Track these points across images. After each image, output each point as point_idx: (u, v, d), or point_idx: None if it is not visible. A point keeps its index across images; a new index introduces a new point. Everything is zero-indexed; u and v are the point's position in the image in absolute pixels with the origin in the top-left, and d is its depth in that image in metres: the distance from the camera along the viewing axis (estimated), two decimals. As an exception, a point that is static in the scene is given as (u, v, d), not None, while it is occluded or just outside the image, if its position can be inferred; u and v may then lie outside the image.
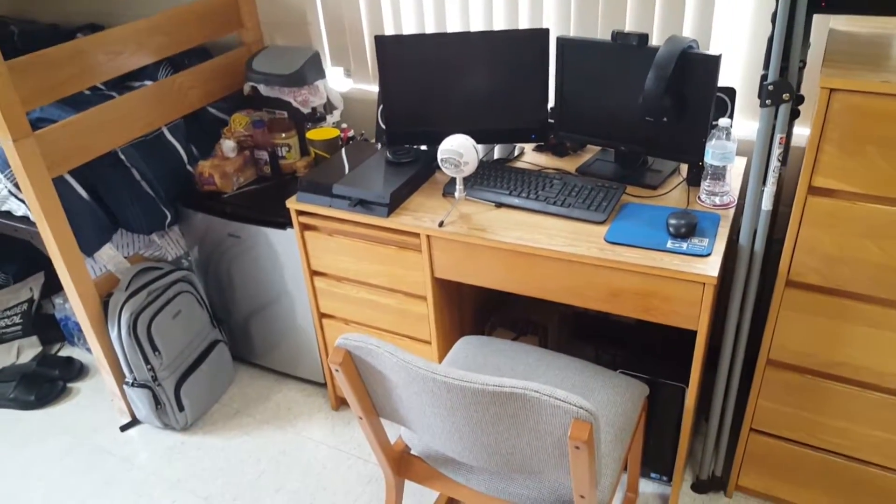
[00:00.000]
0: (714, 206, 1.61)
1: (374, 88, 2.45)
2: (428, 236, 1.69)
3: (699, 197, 1.65)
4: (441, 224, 1.66)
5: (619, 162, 1.84)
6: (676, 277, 1.42)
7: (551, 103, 1.90)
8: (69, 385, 2.50)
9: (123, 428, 2.26)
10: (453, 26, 2.18)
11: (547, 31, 1.76)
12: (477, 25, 2.14)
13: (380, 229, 1.76)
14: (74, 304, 2.04)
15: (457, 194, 1.69)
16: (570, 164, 1.91)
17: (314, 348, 2.26)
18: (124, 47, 2.04)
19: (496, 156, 2.02)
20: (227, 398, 2.37)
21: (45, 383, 2.43)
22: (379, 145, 2.04)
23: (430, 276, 1.76)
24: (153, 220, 2.16)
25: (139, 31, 2.08)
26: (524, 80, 1.83)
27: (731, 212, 1.59)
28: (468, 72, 1.85)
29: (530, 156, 2.00)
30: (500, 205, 1.72)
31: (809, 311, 1.45)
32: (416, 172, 1.83)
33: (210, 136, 2.33)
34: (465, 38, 1.82)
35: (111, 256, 2.10)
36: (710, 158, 1.57)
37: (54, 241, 1.90)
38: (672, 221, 1.51)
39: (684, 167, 1.82)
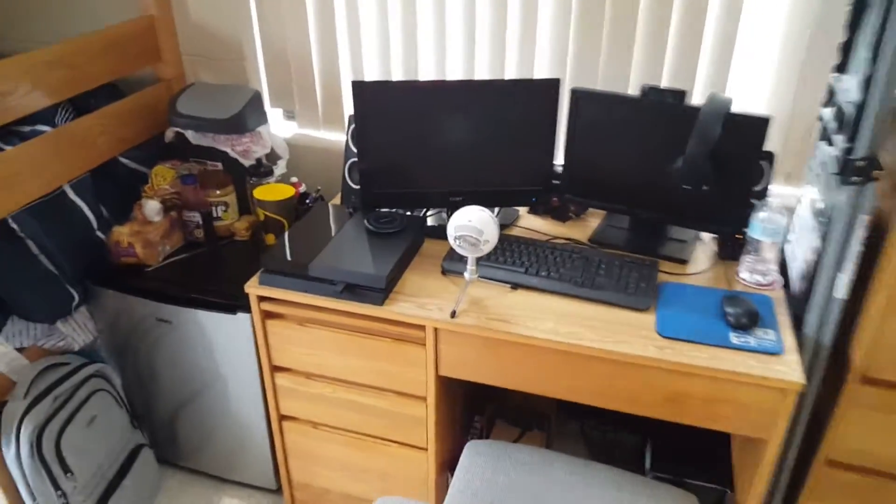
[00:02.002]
0: (758, 285, 1.44)
1: (324, 134, 2.11)
2: (436, 329, 1.39)
3: (738, 274, 1.47)
4: (453, 314, 1.37)
5: (635, 230, 1.63)
6: (753, 383, 1.21)
7: (557, 161, 1.66)
8: None
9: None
10: (426, 68, 1.90)
11: (558, 81, 1.53)
12: (454, 72, 1.88)
13: (371, 319, 1.44)
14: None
15: (468, 275, 1.40)
16: (576, 231, 1.68)
17: (264, 451, 1.88)
18: (15, 86, 1.59)
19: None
20: (152, 513, 1.93)
21: None
22: (349, 210, 1.71)
23: (433, 374, 1.46)
24: (56, 304, 1.71)
25: (34, 65, 1.64)
26: (528, 135, 1.59)
27: (779, 293, 1.42)
28: (463, 125, 1.58)
29: (526, 220, 1.75)
30: (516, 286, 1.46)
31: (882, 410, 1.29)
32: (408, 246, 1.52)
33: (124, 194, 1.90)
34: (464, 86, 1.56)
35: (1, 354, 1.63)
36: (757, 233, 1.39)
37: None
38: (729, 310, 1.31)
39: (705, 235, 1.64)
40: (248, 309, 1.61)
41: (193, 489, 2.00)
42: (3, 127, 1.62)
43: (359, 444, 1.65)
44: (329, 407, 1.62)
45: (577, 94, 1.53)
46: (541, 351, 1.34)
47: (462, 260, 1.42)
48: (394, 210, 1.68)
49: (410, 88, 1.57)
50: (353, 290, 1.42)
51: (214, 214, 1.90)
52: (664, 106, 1.44)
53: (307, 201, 1.89)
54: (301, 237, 1.56)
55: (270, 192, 1.80)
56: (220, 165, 1.95)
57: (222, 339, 1.72)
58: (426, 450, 1.58)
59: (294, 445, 1.74)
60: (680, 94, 1.43)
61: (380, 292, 1.41)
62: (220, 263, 1.82)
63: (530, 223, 1.73)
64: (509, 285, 1.46)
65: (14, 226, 1.61)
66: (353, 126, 1.70)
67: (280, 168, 1.99)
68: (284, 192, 1.80)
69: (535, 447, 1.48)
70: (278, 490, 1.97)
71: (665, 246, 1.57)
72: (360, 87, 1.54)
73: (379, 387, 1.54)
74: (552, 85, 1.54)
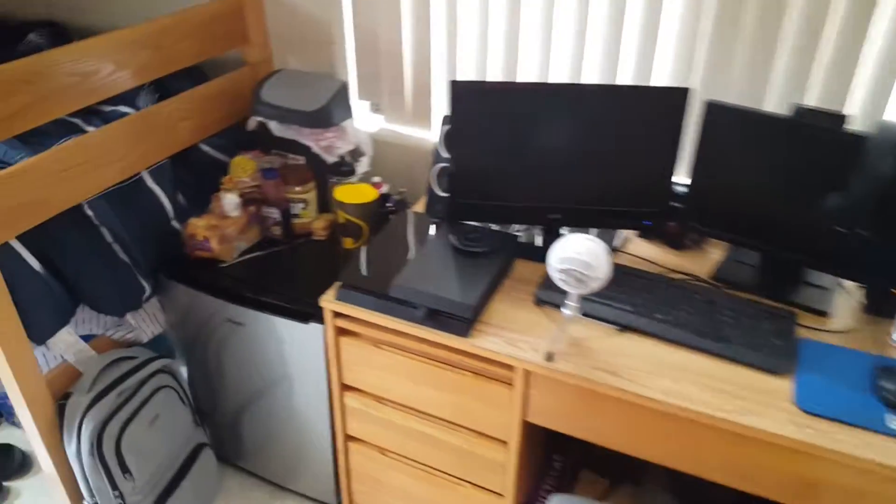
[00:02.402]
0: (919, 353, 1.20)
1: (411, 131, 1.96)
2: (527, 371, 1.23)
3: (893, 337, 1.23)
4: (550, 358, 1.20)
5: (767, 270, 1.41)
6: (917, 482, 0.99)
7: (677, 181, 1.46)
8: (6, 484, 1.94)
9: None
10: (527, 68, 1.72)
11: (687, 90, 1.32)
12: (559, 74, 1.69)
13: (453, 351, 1.29)
14: (19, 409, 1.50)
15: (568, 312, 1.23)
16: (694, 264, 1.47)
17: (326, 465, 1.77)
18: (99, 65, 1.51)
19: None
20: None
21: None
22: (434, 220, 1.56)
23: (518, 419, 1.30)
24: (128, 295, 1.64)
25: (118, 44, 1.55)
26: (646, 150, 1.39)
27: (944, 364, 1.18)
28: (571, 134, 1.40)
29: (635, 245, 1.55)
30: (624, 328, 1.27)
31: None
32: (498, 271, 1.36)
33: (202, 182, 1.81)
34: (578, 91, 1.37)
35: (70, 344, 1.57)
36: (924, 292, 1.16)
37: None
38: (885, 385, 1.09)
39: (848, 283, 1.40)
40: (321, 319, 1.49)
41: (253, 494, 1.92)
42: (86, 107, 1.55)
43: (428, 479, 1.51)
44: (399, 434, 1.48)
45: (712, 108, 1.32)
46: (652, 412, 1.15)
47: (561, 290, 1.25)
48: (483, 225, 1.52)
49: (516, 90, 1.39)
50: (435, 317, 1.27)
51: (293, 211, 1.79)
52: (818, 130, 1.21)
53: (388, 203, 1.75)
54: (382, 250, 1.43)
55: (352, 193, 1.67)
56: (302, 160, 1.83)
57: (293, 346, 1.61)
58: (503, 496, 1.43)
59: (359, 467, 1.62)
60: (839, 119, 1.20)
61: (465, 322, 1.25)
62: (296, 265, 1.70)
63: (639, 249, 1.53)
64: (616, 327, 1.28)
65: (89, 212, 1.54)
66: (446, 128, 1.55)
67: (362, 166, 1.86)
68: (367, 194, 1.67)
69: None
70: (338, 505, 1.86)
71: (802, 292, 1.35)
72: (459, 87, 1.38)
73: (455, 422, 1.40)
74: (681, 95, 1.33)
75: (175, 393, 1.73)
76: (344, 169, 1.78)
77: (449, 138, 1.47)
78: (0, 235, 1.34)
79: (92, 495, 1.57)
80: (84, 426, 1.50)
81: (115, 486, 1.56)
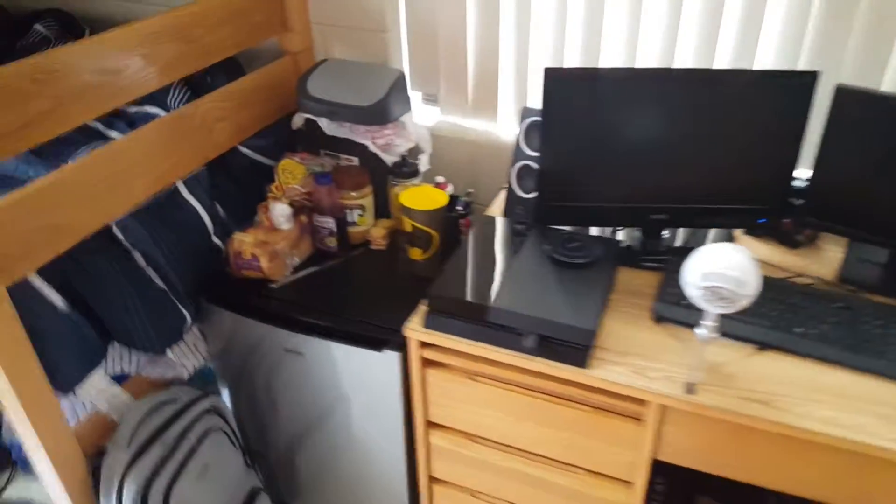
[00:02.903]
0: None
1: (474, 124, 1.73)
2: (662, 406, 0.99)
3: None
4: (690, 390, 0.96)
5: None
6: None
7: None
8: None
9: None
10: (611, 53, 1.48)
11: (816, 74, 1.09)
12: (646, 58, 1.45)
13: (569, 384, 1.05)
14: (44, 472, 1.29)
15: (703, 333, 0.99)
16: (813, 264, 1.25)
17: (401, 499, 1.54)
18: (123, 61, 1.29)
19: (678, 241, 1.34)
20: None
21: None
22: (519, 226, 1.33)
23: (647, 458, 1.07)
24: (166, 328, 1.42)
25: (144, 36, 1.33)
26: (765, 141, 1.17)
27: None
28: (678, 125, 1.17)
29: (743, 244, 1.31)
30: (763, 346, 1.04)
31: None
32: (606, 284, 1.13)
33: (243, 191, 1.59)
34: (687, 76, 1.16)
35: (101, 389, 1.35)
36: None
37: (7, 381, 1.14)
38: None
39: None
40: (397, 346, 1.27)
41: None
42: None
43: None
44: (494, 475, 1.26)
45: (843, 94, 1.10)
46: (810, 445, 0.94)
47: (684, 304, 1.02)
48: (577, 230, 1.29)
49: (620, 77, 1.17)
50: (546, 345, 1.04)
51: (349, 219, 1.56)
52: None
53: (458, 207, 1.51)
54: (463, 264, 1.19)
55: (419, 198, 1.44)
56: (355, 161, 1.60)
57: (363, 377, 1.39)
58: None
59: (443, 512, 1.39)
60: None
61: (582, 350, 1.02)
62: (358, 281, 1.48)
63: (750, 249, 1.29)
64: (754, 345, 1.04)
65: (118, 234, 1.32)
66: (530, 121, 1.31)
67: (423, 164, 1.63)
68: (436, 199, 1.43)
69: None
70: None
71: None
72: (553, 75, 1.16)
73: (566, 462, 1.17)
74: (808, 79, 1.10)
75: (224, 436, 1.51)
76: (406, 170, 1.55)
77: (536, 133, 1.24)
78: (16, 271, 1.12)
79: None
80: (126, 489, 1.28)
81: (163, 550, 1.35)
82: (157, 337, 1.39)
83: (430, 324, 1.12)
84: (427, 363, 1.19)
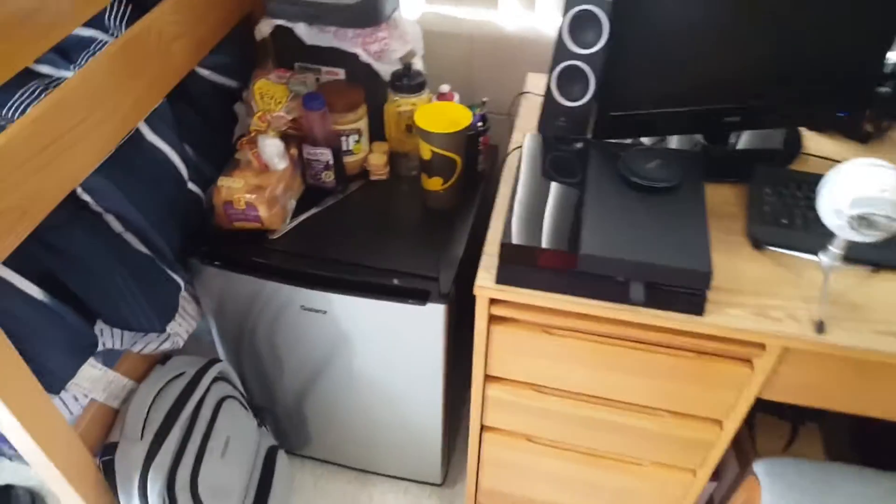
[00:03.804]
0: None
1: (466, 13, 1.50)
2: (785, 348, 0.93)
3: None
4: (821, 329, 0.91)
5: None
6: None
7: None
8: None
9: None
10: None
11: None
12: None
13: (676, 333, 0.97)
14: (53, 481, 1.09)
15: (826, 260, 0.92)
16: (883, 157, 1.18)
17: (432, 448, 1.48)
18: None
19: (742, 145, 1.25)
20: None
21: None
22: (572, 144, 1.18)
23: (750, 398, 1.02)
24: (160, 301, 1.20)
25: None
26: (856, 15, 1.05)
27: None
28: (759, 6, 1.03)
29: (811, 141, 1.24)
30: (877, 267, 0.99)
31: None
32: (702, 210, 1.02)
33: (208, 122, 1.33)
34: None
35: (95, 379, 1.14)
36: None
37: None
38: None
39: None
40: (440, 298, 1.14)
41: (336, 484, 1.62)
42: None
43: (592, 462, 1.25)
44: (559, 423, 1.19)
45: None
46: None
47: (784, 225, 0.95)
48: (648, 144, 1.16)
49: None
50: (655, 293, 0.94)
51: (343, 147, 1.35)
52: None
53: (480, 123, 1.33)
54: (525, 200, 1.04)
55: (436, 116, 1.24)
56: (340, 74, 1.36)
57: (400, 332, 1.25)
58: (694, 472, 1.19)
59: (492, 454, 1.33)
60: None
61: (699, 295, 0.93)
62: (369, 221, 1.30)
63: (820, 147, 1.22)
64: (868, 267, 0.99)
65: (86, 198, 1.06)
66: (577, 10, 1.12)
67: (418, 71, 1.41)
68: (458, 116, 1.24)
69: (853, 468, 1.09)
70: (442, 484, 1.60)
71: None
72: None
73: (651, 406, 1.11)
74: None
75: (236, 401, 1.35)
76: (410, 83, 1.33)
77: (585, 25, 1.06)
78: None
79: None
80: (150, 485, 1.12)
81: (198, 539, 1.21)
82: (153, 313, 1.17)
83: (504, 278, 0.98)
84: (494, 319, 1.06)
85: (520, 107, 1.39)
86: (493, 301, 1.02)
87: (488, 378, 1.16)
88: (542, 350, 1.07)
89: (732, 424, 1.07)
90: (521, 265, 0.97)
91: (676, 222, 0.97)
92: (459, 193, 1.31)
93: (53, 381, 1.04)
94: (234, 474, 1.30)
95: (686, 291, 0.92)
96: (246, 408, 1.39)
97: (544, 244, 0.95)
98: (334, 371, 1.38)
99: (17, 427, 0.97)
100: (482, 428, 1.27)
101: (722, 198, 1.10)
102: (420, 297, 1.16)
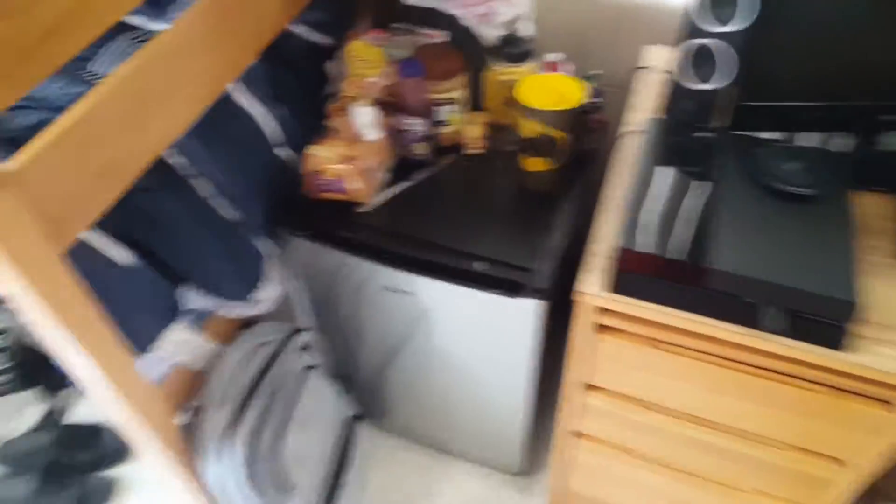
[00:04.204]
0: None
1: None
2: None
3: None
4: None
5: None
6: None
7: None
8: (106, 475, 1.57)
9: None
10: None
11: None
12: None
13: (808, 366, 0.85)
14: (134, 438, 1.09)
15: None
16: None
17: (513, 437, 1.41)
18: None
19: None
20: (375, 497, 1.53)
21: (78, 482, 1.51)
22: (698, 136, 1.05)
23: (889, 443, 0.90)
24: (248, 269, 1.17)
25: None
26: None
27: None
28: None
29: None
30: None
31: None
32: (848, 224, 0.88)
33: (302, 84, 1.26)
34: None
35: (182, 341, 1.12)
36: None
37: (85, 357, 0.90)
38: None
39: None
40: (535, 292, 1.05)
41: (408, 458, 1.59)
42: None
43: (689, 481, 1.16)
44: (660, 440, 1.11)
45: None
46: None
47: None
48: (787, 141, 1.02)
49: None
50: (787, 320, 0.82)
51: (438, 118, 1.26)
52: None
53: (593, 100, 1.21)
54: (643, 197, 0.93)
55: (542, 90, 1.14)
56: (441, 38, 1.26)
57: (485, 321, 1.18)
58: (801, 506, 1.08)
59: (581, 459, 1.26)
60: None
61: (839, 328, 0.81)
62: (462, 200, 1.22)
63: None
64: None
65: (175, 160, 1.02)
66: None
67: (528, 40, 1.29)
68: (567, 91, 1.13)
69: None
70: (521, 474, 1.54)
71: None
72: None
73: (764, 435, 1.00)
74: None
75: (319, 371, 1.32)
76: (514, 51, 1.22)
77: None
78: (69, 232, 0.84)
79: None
80: (232, 452, 1.10)
81: (274, 508, 1.20)
82: (240, 281, 1.14)
83: (625, 287, 0.88)
84: (602, 328, 0.96)
85: (638, 83, 1.25)
86: (601, 310, 0.93)
87: (589, 387, 1.07)
88: (653, 366, 0.97)
89: (863, 466, 0.95)
90: (640, 274, 0.87)
91: (818, 238, 0.85)
92: (563, 176, 1.20)
93: (139, 342, 1.02)
94: (316, 444, 1.28)
95: (824, 322, 0.80)
96: (329, 378, 1.36)
97: (670, 254, 0.85)
98: (415, 349, 1.33)
99: (105, 385, 0.96)
100: (573, 432, 1.19)
101: (873, 209, 0.95)
102: (512, 288, 1.08)
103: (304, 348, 1.27)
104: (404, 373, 1.41)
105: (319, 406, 1.28)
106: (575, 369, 1.03)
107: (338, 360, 1.47)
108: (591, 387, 1.07)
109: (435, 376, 1.37)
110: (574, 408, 1.12)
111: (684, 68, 1.02)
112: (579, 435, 1.18)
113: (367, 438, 1.51)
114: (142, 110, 0.90)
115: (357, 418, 1.44)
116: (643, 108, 1.17)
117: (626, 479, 1.23)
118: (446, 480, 1.54)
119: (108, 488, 1.54)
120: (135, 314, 0.99)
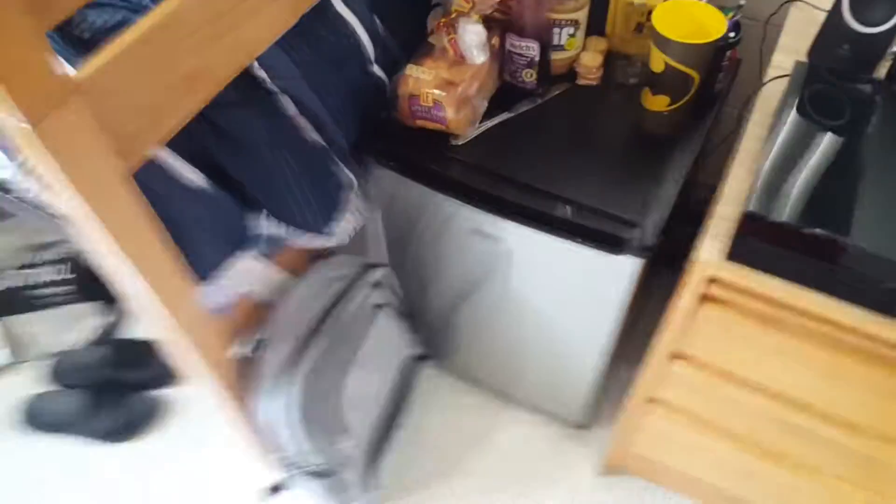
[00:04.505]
0: None
1: None
2: None
3: None
4: None
5: None
6: None
7: None
8: (152, 394, 1.57)
9: (272, 490, 1.39)
10: None
11: None
12: None
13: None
14: (190, 369, 1.08)
15: None
16: None
17: (580, 390, 1.33)
18: None
19: None
20: (431, 438, 1.50)
21: (128, 401, 1.53)
22: (828, 80, 0.87)
23: None
24: (329, 199, 1.09)
25: None
26: None
27: None
28: None
29: None
30: None
31: None
32: None
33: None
34: None
35: (253, 270, 1.07)
36: None
37: (144, 283, 0.86)
38: None
39: None
40: (639, 250, 0.93)
41: (474, 401, 1.54)
42: None
43: (767, 457, 1.07)
44: (746, 417, 1.03)
45: None
46: None
47: None
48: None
49: None
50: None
51: (554, 42, 1.12)
52: None
53: (731, 34, 1.04)
54: (775, 153, 0.78)
55: (679, 19, 0.98)
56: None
57: (580, 275, 1.07)
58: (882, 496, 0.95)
59: (653, 425, 1.17)
60: None
61: None
62: (567, 139, 1.09)
63: None
64: None
65: (261, 74, 0.93)
66: None
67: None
68: (707, 22, 0.97)
69: None
70: (582, 427, 1.47)
71: None
72: None
73: (865, 425, 0.87)
74: None
75: (390, 309, 1.26)
76: (648, -30, 1.05)
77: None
78: (139, 150, 0.78)
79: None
80: (286, 393, 1.06)
81: (330, 445, 1.18)
82: (320, 211, 1.07)
83: (738, 254, 0.76)
84: (706, 298, 0.84)
85: (786, 18, 1.07)
86: (710, 279, 0.80)
87: (675, 355, 0.96)
88: (759, 343, 0.86)
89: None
90: (767, 245, 0.74)
91: None
92: (685, 119, 1.06)
93: (202, 269, 0.97)
94: (375, 384, 1.24)
95: None
96: (399, 316, 1.30)
97: (804, 225, 0.71)
98: (492, 293, 1.25)
99: (158, 312, 0.92)
100: (649, 398, 1.09)
101: None
102: (615, 244, 0.96)
103: (376, 285, 1.21)
104: (476, 316, 1.33)
105: (384, 347, 1.23)
106: (669, 338, 0.92)
107: (410, 298, 1.41)
108: (677, 355, 0.96)
109: (508, 322, 1.29)
110: (656, 374, 1.02)
111: (847, 6, 0.84)
112: (654, 400, 1.08)
113: (428, 378, 1.47)
114: (232, 14, 0.82)
115: (421, 358, 1.39)
116: (792, 49, 0.99)
117: (693, 447, 1.16)
118: (503, 427, 1.49)
119: (154, 409, 1.54)
120: (201, 240, 0.93)
